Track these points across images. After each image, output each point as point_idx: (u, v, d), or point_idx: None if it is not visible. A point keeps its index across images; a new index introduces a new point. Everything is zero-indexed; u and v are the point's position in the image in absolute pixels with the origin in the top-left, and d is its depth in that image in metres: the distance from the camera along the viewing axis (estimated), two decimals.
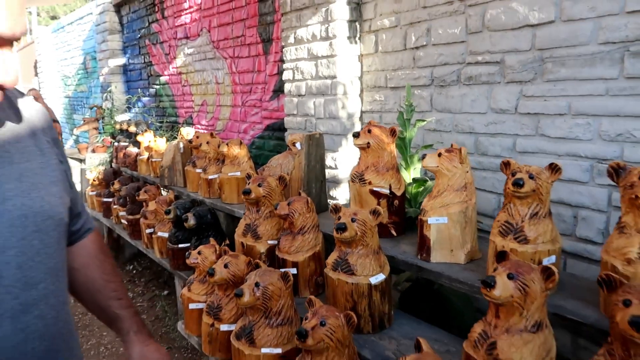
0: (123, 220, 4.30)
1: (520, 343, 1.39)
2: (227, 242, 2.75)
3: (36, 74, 11.82)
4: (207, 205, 3.21)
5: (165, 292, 4.37)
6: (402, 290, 2.64)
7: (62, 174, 0.95)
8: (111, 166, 5.73)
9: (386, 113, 3.18)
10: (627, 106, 1.97)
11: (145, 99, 6.67)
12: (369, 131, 2.31)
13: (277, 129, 4.19)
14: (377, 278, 1.90)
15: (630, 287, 1.20)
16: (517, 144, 2.41)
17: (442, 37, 2.73)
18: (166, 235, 3.36)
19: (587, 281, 1.81)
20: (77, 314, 3.94)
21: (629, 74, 1.96)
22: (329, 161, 3.40)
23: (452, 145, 2.02)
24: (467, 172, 1.99)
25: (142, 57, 6.68)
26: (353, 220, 1.89)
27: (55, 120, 6.13)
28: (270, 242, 2.41)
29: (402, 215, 2.36)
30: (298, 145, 2.72)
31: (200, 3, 5.13)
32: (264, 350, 1.91)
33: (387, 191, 2.28)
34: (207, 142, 3.41)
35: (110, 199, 4.79)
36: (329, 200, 3.23)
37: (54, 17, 23.23)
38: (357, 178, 2.35)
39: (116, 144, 5.67)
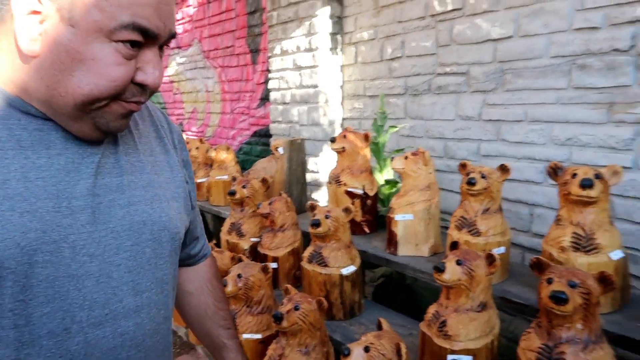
0: None
1: (467, 320, 1.58)
2: (215, 241, 2.93)
3: None
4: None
5: None
6: (376, 285, 2.83)
7: (185, 193, 0.95)
8: None
9: (365, 120, 3.38)
10: (575, 113, 2.18)
11: None
12: (344, 137, 2.50)
13: (263, 135, 4.38)
14: (348, 269, 2.09)
15: (554, 268, 1.40)
16: (481, 148, 2.62)
17: (415, 50, 2.94)
18: None
19: None
20: None
21: (575, 85, 2.17)
22: (311, 165, 3.59)
23: (418, 149, 2.22)
24: (431, 173, 2.18)
25: None
26: (327, 217, 2.08)
27: None
28: (253, 239, 2.59)
29: (375, 214, 2.55)
30: (281, 150, 2.91)
31: (192, 14, 5.34)
32: (245, 336, 2.08)
33: (360, 192, 2.47)
34: (197, 148, 3.59)
35: None
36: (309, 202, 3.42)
37: None
38: (334, 180, 2.54)
39: None
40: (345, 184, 2.49)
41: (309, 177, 3.57)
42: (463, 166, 1.97)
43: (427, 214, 2.16)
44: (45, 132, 0.72)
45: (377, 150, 2.73)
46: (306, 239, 2.54)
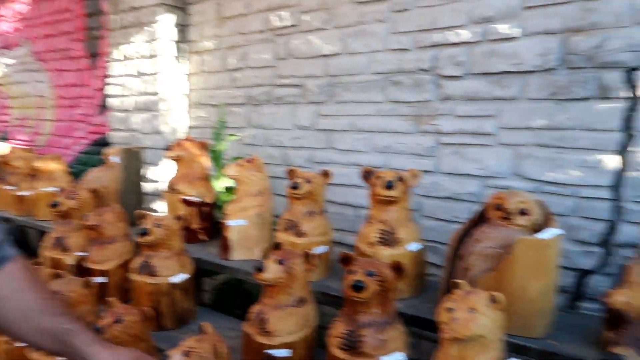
0: None
1: (286, 316, 1.66)
2: (38, 259, 2.67)
3: None
4: (17, 223, 3.05)
5: None
6: (214, 291, 2.82)
7: None
8: None
9: (210, 129, 3.37)
10: (391, 124, 2.44)
11: None
12: (180, 145, 2.48)
13: (103, 144, 4.12)
14: (178, 277, 2.06)
15: (357, 261, 1.55)
16: (315, 156, 2.78)
17: (256, 62, 3.03)
18: None
19: None
20: None
21: (390, 99, 2.43)
22: (153, 174, 3.48)
23: (252, 157, 2.29)
24: (264, 179, 2.26)
25: None
26: (157, 226, 2.03)
27: None
28: (79, 253, 2.41)
29: (212, 221, 2.55)
30: (115, 158, 2.77)
31: (23, 12, 4.84)
32: None
33: (197, 199, 2.47)
34: (20, 158, 3.25)
35: None
36: (137, 210, 3.30)
37: None
38: (170, 188, 2.50)
39: None
40: (181, 192, 2.46)
41: (149, 186, 3.44)
42: (290, 172, 2.08)
43: (260, 218, 2.23)
44: None
45: (216, 158, 2.75)
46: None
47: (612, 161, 1.84)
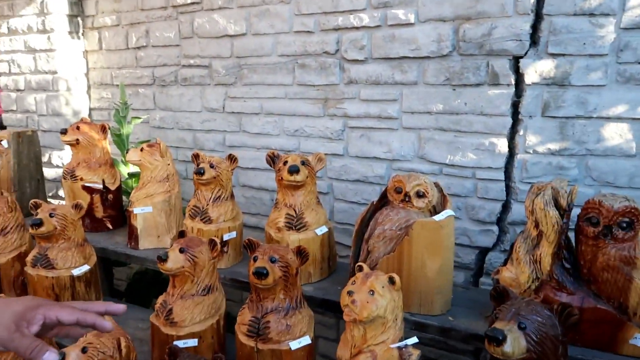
0: None
1: (192, 305, 1.64)
2: None
3: None
4: None
5: None
6: (130, 282, 2.73)
7: None
8: None
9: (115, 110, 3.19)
10: (300, 107, 2.45)
11: None
12: (78, 128, 2.33)
13: None
14: (81, 269, 1.96)
15: (260, 247, 1.55)
16: (226, 139, 2.73)
17: (159, 40, 2.89)
18: None
19: None
20: None
21: (298, 82, 2.43)
22: (54, 159, 3.25)
23: (157, 140, 2.20)
24: (169, 164, 2.19)
25: None
26: (51, 215, 1.91)
27: None
28: None
29: (119, 209, 2.44)
30: (4, 143, 2.55)
31: None
32: None
33: (99, 186, 2.34)
34: None
35: None
36: (50, 200, 3.10)
37: None
38: (69, 174, 2.35)
39: None
40: (81, 179, 2.32)
41: (50, 172, 3.22)
42: (195, 157, 2.03)
43: (167, 205, 2.16)
44: None
45: (120, 142, 2.62)
46: None
47: (503, 144, 1.98)
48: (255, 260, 1.50)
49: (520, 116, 1.93)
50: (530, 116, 1.91)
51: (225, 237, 1.96)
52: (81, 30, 3.24)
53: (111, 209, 2.42)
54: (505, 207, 2.01)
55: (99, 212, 2.39)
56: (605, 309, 1.37)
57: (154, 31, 2.90)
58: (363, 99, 2.25)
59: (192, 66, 2.79)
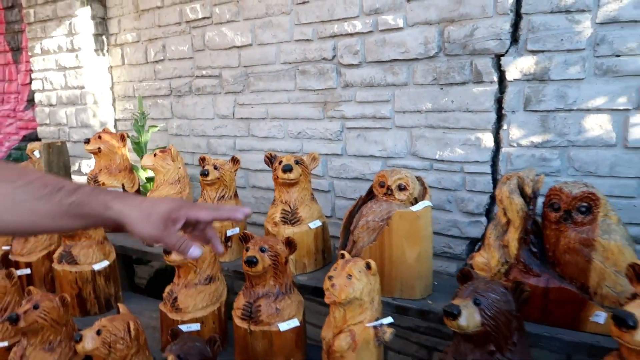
0: None
1: (195, 293, 1.81)
2: None
3: None
4: None
5: None
6: (150, 278, 2.94)
7: None
8: None
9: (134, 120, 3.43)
10: (302, 111, 2.60)
11: None
12: (99, 137, 2.55)
13: (34, 139, 4.09)
14: (101, 265, 2.17)
15: (254, 239, 1.70)
16: (236, 144, 2.91)
17: (175, 53, 3.11)
18: None
19: None
20: None
21: (300, 87, 2.58)
22: (84, 168, 3.51)
23: (170, 146, 2.40)
24: (180, 168, 2.38)
25: None
26: None
27: None
28: (4, 247, 2.46)
29: None
30: (37, 153, 2.81)
31: None
32: None
33: (119, 190, 2.55)
34: None
35: None
36: None
37: None
38: (92, 180, 2.57)
39: None
40: (103, 184, 2.54)
41: (81, 179, 3.48)
42: (202, 160, 2.20)
43: None
44: None
45: (138, 149, 2.83)
46: None
47: (489, 139, 2.07)
48: (247, 250, 1.65)
49: (503, 111, 2.01)
50: (513, 111, 1.99)
51: (229, 233, 2.12)
52: (106, 48, 3.50)
53: None
54: (493, 198, 2.09)
55: None
56: (568, 289, 1.45)
57: (170, 45, 3.12)
58: (359, 101, 2.38)
59: (204, 77, 2.98)
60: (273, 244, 1.67)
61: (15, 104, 4.23)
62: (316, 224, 2.00)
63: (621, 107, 1.82)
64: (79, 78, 3.42)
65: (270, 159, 2.06)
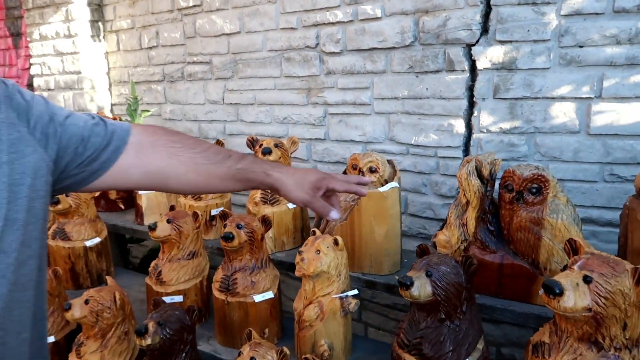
0: None
1: (178, 267, 1.93)
2: None
3: None
4: None
5: None
6: (143, 256, 3.07)
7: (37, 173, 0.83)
8: None
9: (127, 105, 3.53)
10: (287, 97, 2.69)
11: None
12: None
13: None
14: (93, 241, 2.29)
15: (232, 217, 1.81)
16: (226, 128, 3.02)
17: (168, 40, 3.20)
18: None
19: None
20: None
21: (285, 74, 2.67)
22: None
23: None
24: None
25: None
26: (67, 195, 2.24)
27: None
28: None
29: (129, 192, 2.77)
30: None
31: None
32: None
33: None
34: None
35: None
36: None
37: None
38: None
39: None
40: None
41: None
42: None
43: None
44: None
45: None
46: None
47: (461, 125, 2.17)
48: (225, 227, 1.77)
49: (474, 99, 2.11)
50: (483, 98, 2.09)
51: (213, 212, 2.24)
52: (102, 34, 3.59)
53: (124, 191, 2.75)
54: None
55: (113, 195, 2.73)
56: (521, 264, 1.56)
57: (163, 32, 3.21)
58: (340, 87, 2.48)
59: (195, 63, 3.08)
60: (249, 221, 1.78)
61: None
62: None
63: (584, 96, 1.92)
64: (76, 63, 3.52)
65: (252, 142, 2.16)
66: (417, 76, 2.24)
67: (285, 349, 1.50)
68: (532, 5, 1.94)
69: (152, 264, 2.00)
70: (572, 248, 1.27)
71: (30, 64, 3.93)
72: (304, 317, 1.65)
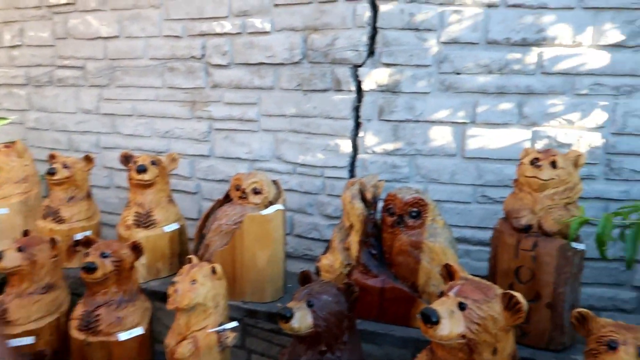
0: None
1: (29, 303, 1.67)
2: None
3: None
4: None
5: None
6: None
7: None
8: None
9: None
10: (170, 109, 2.52)
11: None
12: None
13: None
14: None
15: (96, 243, 1.61)
16: (100, 141, 2.74)
17: (34, 39, 2.85)
18: None
19: None
20: None
21: (168, 85, 2.50)
22: None
23: (16, 142, 2.19)
24: (27, 165, 2.19)
25: None
26: None
27: None
28: None
29: None
30: None
31: None
32: None
33: None
34: None
35: None
36: None
37: None
38: None
39: None
40: None
41: None
42: (51, 157, 2.05)
43: (25, 206, 2.16)
44: None
45: None
46: None
47: (347, 145, 2.16)
48: (86, 255, 1.56)
49: (360, 119, 2.11)
50: (369, 120, 2.10)
51: (78, 237, 1.99)
52: None
53: None
54: None
55: None
56: (401, 288, 1.56)
57: (28, 30, 2.86)
58: (226, 102, 2.36)
59: (66, 67, 2.77)
60: (117, 248, 1.59)
61: None
62: (172, 227, 1.95)
63: (460, 121, 2.00)
64: None
65: (126, 159, 1.96)
66: (305, 94, 2.20)
67: None
68: (415, 30, 1.99)
69: None
70: (448, 272, 1.28)
71: None
72: (176, 355, 1.49)
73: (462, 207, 2.05)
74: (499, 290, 1.19)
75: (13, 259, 1.63)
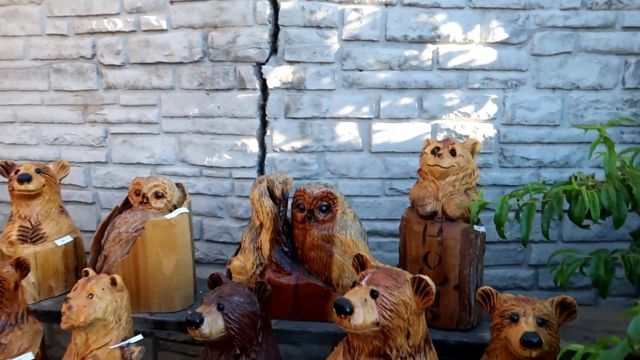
0: None
1: None
2: None
3: None
4: None
5: None
6: None
7: None
8: None
9: None
10: (58, 114, 2.31)
11: None
12: None
13: None
14: None
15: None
16: None
17: None
18: None
19: None
20: None
21: (55, 87, 2.29)
22: None
23: None
24: None
25: None
26: None
27: None
28: None
29: None
30: None
31: None
32: None
33: None
34: None
35: None
36: None
37: None
38: None
39: None
40: None
41: None
42: None
43: None
44: None
45: None
46: None
47: (254, 145, 2.11)
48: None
49: (267, 118, 2.08)
50: (275, 118, 2.07)
51: None
52: None
53: None
54: None
55: None
56: (315, 283, 1.54)
57: None
58: (123, 104, 2.21)
59: None
60: None
61: None
62: (65, 240, 1.78)
63: (365, 116, 2.04)
64: None
65: (5, 168, 1.76)
66: (208, 94, 2.12)
67: None
68: (316, 28, 2.00)
69: None
70: (360, 263, 1.28)
71: None
72: None
73: (372, 200, 2.08)
74: (408, 276, 1.21)
75: None
